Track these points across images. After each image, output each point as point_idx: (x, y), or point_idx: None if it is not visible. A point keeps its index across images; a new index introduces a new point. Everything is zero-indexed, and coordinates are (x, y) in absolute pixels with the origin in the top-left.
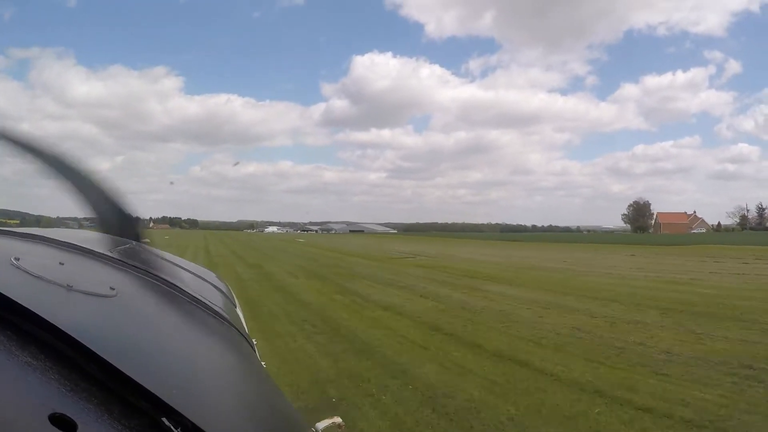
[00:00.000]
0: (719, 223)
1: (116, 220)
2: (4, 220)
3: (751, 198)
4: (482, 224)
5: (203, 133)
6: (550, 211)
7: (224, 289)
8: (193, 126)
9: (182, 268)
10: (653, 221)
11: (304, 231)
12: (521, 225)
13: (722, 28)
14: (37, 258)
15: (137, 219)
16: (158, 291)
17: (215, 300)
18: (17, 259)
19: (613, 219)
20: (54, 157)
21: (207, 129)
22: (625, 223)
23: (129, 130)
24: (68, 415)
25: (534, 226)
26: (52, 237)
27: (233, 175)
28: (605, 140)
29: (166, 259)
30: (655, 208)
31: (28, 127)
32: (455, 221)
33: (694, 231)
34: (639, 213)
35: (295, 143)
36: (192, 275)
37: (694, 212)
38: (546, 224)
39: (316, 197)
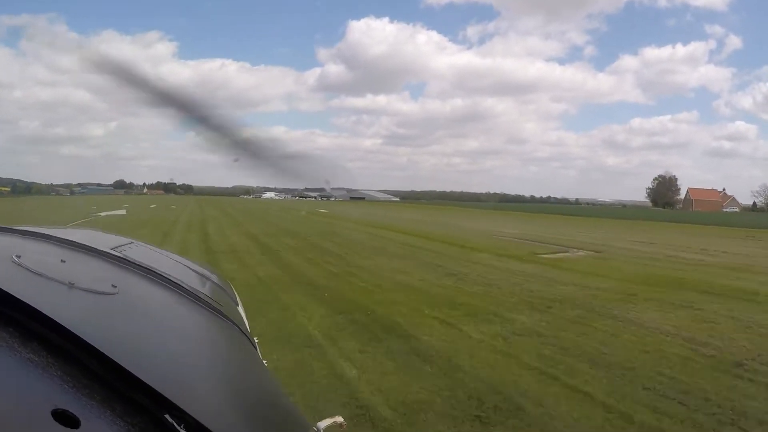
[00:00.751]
0: (754, 202)
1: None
2: None
3: (745, 177)
4: (480, 193)
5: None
6: (543, 182)
7: (226, 287)
8: (187, 91)
9: (184, 265)
10: (682, 198)
11: (302, 197)
12: (519, 195)
13: (723, 2)
14: (38, 255)
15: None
16: (160, 288)
17: (217, 298)
18: (18, 257)
19: (608, 192)
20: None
21: (201, 94)
22: (648, 198)
23: (121, 96)
24: (71, 411)
25: (532, 197)
26: (53, 235)
27: (228, 140)
28: (602, 112)
29: (167, 257)
30: (647, 184)
31: (19, 94)
32: (452, 189)
33: (726, 210)
34: (665, 188)
35: (290, 109)
36: (194, 273)
37: (724, 190)
38: (542, 195)
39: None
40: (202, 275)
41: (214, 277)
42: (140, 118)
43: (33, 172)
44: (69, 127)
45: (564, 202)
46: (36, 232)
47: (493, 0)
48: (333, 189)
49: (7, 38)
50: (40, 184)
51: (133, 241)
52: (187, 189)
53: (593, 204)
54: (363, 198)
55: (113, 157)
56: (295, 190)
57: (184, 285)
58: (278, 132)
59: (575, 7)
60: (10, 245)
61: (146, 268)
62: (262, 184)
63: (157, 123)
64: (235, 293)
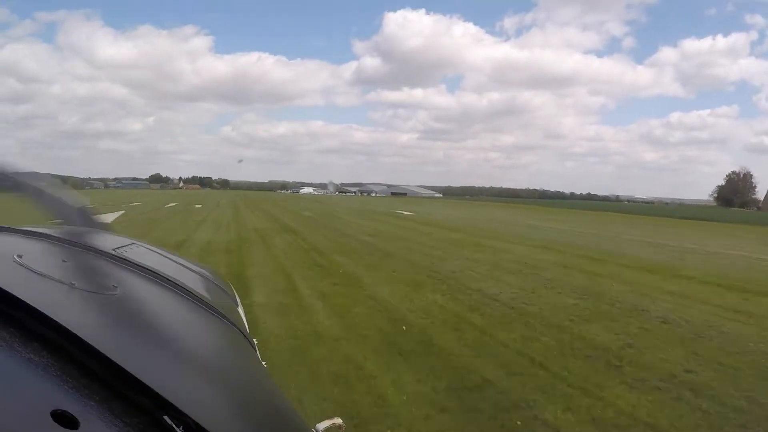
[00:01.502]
0: None
1: (77, 216)
2: None
3: None
4: (520, 189)
5: (233, 93)
6: (579, 178)
7: (226, 288)
8: (223, 85)
9: (184, 266)
10: (760, 197)
11: (341, 192)
12: (559, 191)
13: None
14: (39, 255)
15: (85, 208)
16: (160, 289)
17: (217, 298)
18: (20, 257)
19: (647, 189)
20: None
21: (237, 88)
22: (713, 196)
23: (159, 91)
24: (70, 411)
25: (572, 194)
26: (55, 235)
27: (263, 135)
28: (640, 105)
29: (168, 257)
30: (687, 180)
31: (58, 89)
32: (490, 185)
33: None
34: (738, 186)
35: (326, 103)
36: (194, 274)
37: None
38: (579, 191)
39: (346, 158)
40: (202, 276)
41: (214, 278)
42: (177, 112)
43: (74, 167)
44: (107, 121)
45: (605, 199)
46: (38, 232)
47: None
48: (372, 185)
49: (45, 33)
50: (76, 177)
51: (135, 241)
52: (224, 183)
53: (642, 202)
54: (405, 194)
55: (151, 152)
56: (331, 185)
57: (184, 286)
58: (316, 126)
59: None
60: (12, 245)
61: (147, 268)
62: (297, 179)
63: (193, 117)
64: (236, 294)
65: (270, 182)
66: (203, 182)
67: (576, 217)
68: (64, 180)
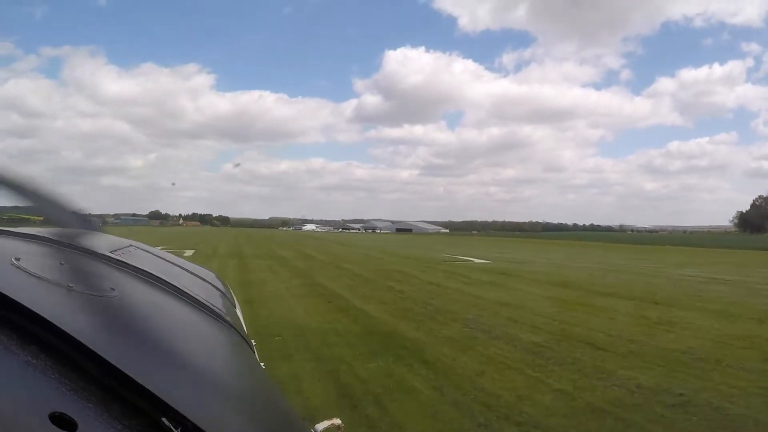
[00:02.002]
0: None
1: (65, 216)
2: (28, 216)
3: None
4: (524, 222)
5: (235, 130)
6: (581, 209)
7: (224, 290)
8: (224, 123)
9: (182, 268)
10: None
11: (345, 230)
12: (562, 224)
13: (760, 19)
14: (37, 258)
15: (82, 213)
16: (158, 291)
17: (214, 300)
18: (18, 259)
19: (647, 218)
20: (48, 202)
21: (239, 126)
22: (734, 223)
23: (161, 128)
24: (68, 414)
25: (575, 225)
26: (52, 237)
27: (265, 173)
28: (639, 136)
29: (166, 260)
30: (688, 208)
31: (61, 125)
32: (492, 219)
33: None
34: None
35: (327, 140)
36: (192, 276)
37: None
38: (582, 223)
39: (347, 194)
40: (200, 278)
41: (212, 280)
42: (178, 149)
43: (76, 202)
44: (109, 157)
45: (609, 229)
46: (35, 235)
47: (528, 26)
48: (376, 221)
49: (49, 68)
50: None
51: (132, 243)
52: (224, 220)
53: (645, 231)
54: (410, 230)
55: (153, 188)
56: (334, 222)
57: (182, 288)
58: (317, 164)
59: (611, 29)
60: (10, 247)
61: (145, 271)
62: (298, 215)
63: (195, 155)
64: (233, 296)
65: (270, 219)
66: (203, 219)
67: (658, 256)
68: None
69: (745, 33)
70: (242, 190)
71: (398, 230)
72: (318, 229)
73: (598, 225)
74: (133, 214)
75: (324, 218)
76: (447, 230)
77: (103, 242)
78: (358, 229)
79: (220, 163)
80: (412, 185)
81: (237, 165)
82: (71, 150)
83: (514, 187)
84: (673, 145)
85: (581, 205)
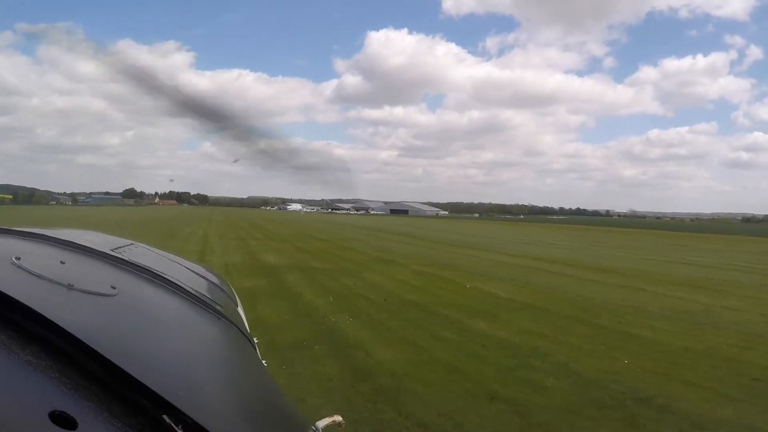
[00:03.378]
0: None
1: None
2: None
3: (763, 188)
4: (510, 205)
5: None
6: (559, 194)
7: (225, 288)
8: (203, 101)
9: (184, 266)
10: None
11: (334, 210)
12: (547, 207)
13: (745, 12)
14: (38, 257)
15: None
16: (159, 290)
17: (216, 298)
18: (18, 258)
19: (625, 204)
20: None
21: (221, 103)
22: None
23: (138, 105)
24: (68, 412)
25: (561, 209)
26: (53, 236)
27: (244, 151)
28: (620, 123)
29: (167, 258)
30: (665, 195)
31: (37, 102)
32: (470, 201)
33: None
34: None
35: (307, 120)
36: (193, 274)
37: None
38: (570, 206)
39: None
40: (201, 276)
41: (213, 278)
42: (157, 127)
43: (51, 180)
44: (86, 135)
45: (595, 213)
46: (36, 234)
47: (513, 10)
48: (369, 201)
49: (25, 45)
50: (41, 191)
51: (133, 242)
52: (202, 199)
53: (624, 215)
54: (406, 211)
55: (130, 166)
56: (317, 201)
57: (183, 286)
58: (296, 143)
59: (596, 17)
60: (10, 247)
61: (146, 269)
62: (279, 194)
63: (174, 133)
64: (235, 294)
65: (249, 198)
66: (180, 197)
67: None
68: (31, 193)
69: (730, 25)
70: (220, 169)
71: (393, 211)
72: (304, 209)
73: (584, 209)
74: (106, 193)
75: (303, 197)
76: (447, 212)
77: (103, 241)
78: (348, 210)
79: (198, 142)
80: (392, 166)
81: (236, 161)
82: (47, 127)
83: (492, 170)
84: (653, 133)
85: (560, 189)
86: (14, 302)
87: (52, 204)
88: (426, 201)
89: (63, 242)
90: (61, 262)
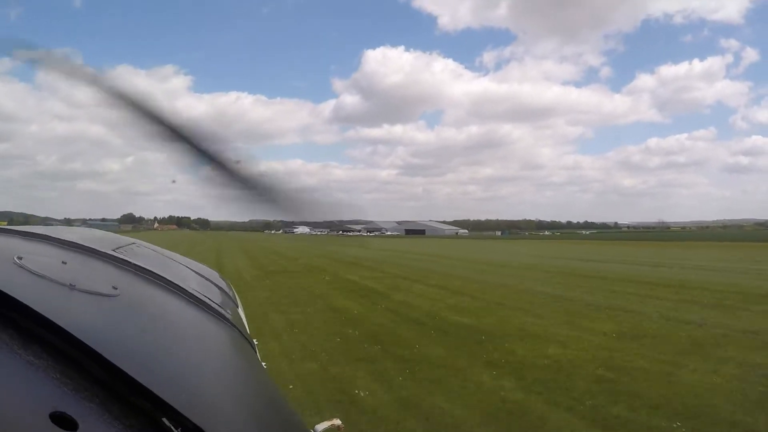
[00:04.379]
0: None
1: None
2: None
3: (763, 191)
4: (519, 221)
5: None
6: (559, 207)
7: (227, 289)
8: (202, 125)
9: (185, 266)
10: None
11: (345, 232)
12: (555, 221)
13: (740, 15)
14: (39, 257)
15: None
16: (160, 291)
17: (217, 300)
18: (20, 258)
19: (625, 214)
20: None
21: (216, 127)
22: None
23: (138, 130)
24: (69, 413)
25: (569, 222)
26: (54, 236)
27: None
28: (618, 133)
29: (169, 258)
30: (665, 204)
31: (36, 129)
32: (467, 218)
33: None
34: None
35: (305, 141)
36: (195, 274)
37: None
38: (578, 220)
39: (325, 196)
40: (203, 277)
41: (215, 279)
42: (156, 152)
43: (51, 207)
44: (86, 161)
45: (603, 226)
46: (38, 234)
47: (509, 23)
48: (381, 222)
49: (23, 73)
50: (38, 217)
51: (135, 241)
52: (203, 224)
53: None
54: (423, 231)
55: (130, 192)
56: (332, 223)
57: (184, 287)
58: (294, 165)
59: (592, 27)
60: (12, 246)
61: (147, 269)
62: (276, 218)
63: (172, 157)
64: (236, 295)
65: (250, 221)
66: (180, 222)
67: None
68: (26, 219)
69: (725, 29)
70: (221, 193)
71: (408, 232)
72: (313, 232)
73: (592, 222)
74: (103, 219)
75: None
76: (465, 231)
77: (105, 240)
78: (359, 231)
79: (197, 165)
80: (391, 185)
81: (173, 182)
82: (47, 154)
83: (491, 186)
84: (652, 142)
85: (560, 202)
86: (16, 302)
87: None
88: (428, 219)
89: (65, 242)
90: (63, 262)
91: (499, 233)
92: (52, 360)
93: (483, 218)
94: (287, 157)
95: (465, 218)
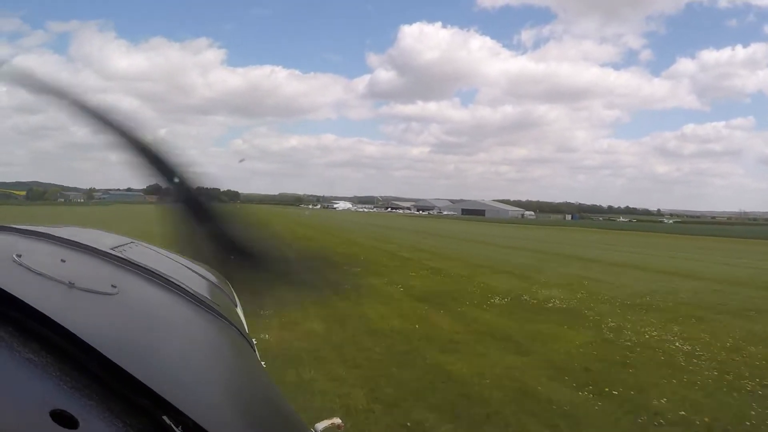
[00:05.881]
0: None
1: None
2: (10, 191)
3: None
4: (560, 203)
5: (245, 106)
6: (590, 191)
7: (225, 289)
8: (235, 99)
9: (184, 266)
10: None
11: (393, 209)
12: (596, 205)
13: None
14: (39, 255)
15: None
16: (159, 289)
17: (216, 299)
18: (19, 256)
19: (656, 202)
20: (124, 130)
21: (249, 101)
22: None
23: (170, 103)
24: (69, 411)
25: (610, 207)
26: (54, 234)
27: (276, 149)
28: (655, 118)
29: (168, 257)
30: (699, 192)
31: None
32: (498, 197)
33: None
34: None
35: (339, 116)
36: (193, 273)
37: None
38: (619, 205)
39: (357, 171)
40: (201, 276)
41: (213, 278)
42: (188, 125)
43: (86, 178)
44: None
45: (646, 212)
46: (37, 232)
47: (550, 1)
48: (433, 200)
49: (58, 44)
50: (56, 186)
51: (134, 240)
52: (233, 196)
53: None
54: (483, 212)
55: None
56: (370, 198)
57: (183, 286)
58: (327, 140)
59: (634, 7)
60: (11, 244)
61: (146, 268)
62: (310, 192)
63: (204, 131)
64: (235, 294)
65: (280, 195)
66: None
67: None
68: (44, 190)
69: None
70: (252, 166)
71: (465, 212)
72: (354, 208)
73: (634, 208)
74: (128, 189)
75: (336, 194)
76: (531, 213)
77: (104, 239)
78: (408, 209)
79: (229, 139)
80: (423, 162)
81: (241, 161)
82: (80, 126)
83: (524, 167)
84: (689, 128)
85: (592, 186)
86: (15, 300)
87: (59, 202)
88: (458, 198)
89: (64, 240)
90: (62, 261)
91: (569, 217)
92: (52, 358)
93: (506, 197)
94: (320, 132)
95: (526, 199)
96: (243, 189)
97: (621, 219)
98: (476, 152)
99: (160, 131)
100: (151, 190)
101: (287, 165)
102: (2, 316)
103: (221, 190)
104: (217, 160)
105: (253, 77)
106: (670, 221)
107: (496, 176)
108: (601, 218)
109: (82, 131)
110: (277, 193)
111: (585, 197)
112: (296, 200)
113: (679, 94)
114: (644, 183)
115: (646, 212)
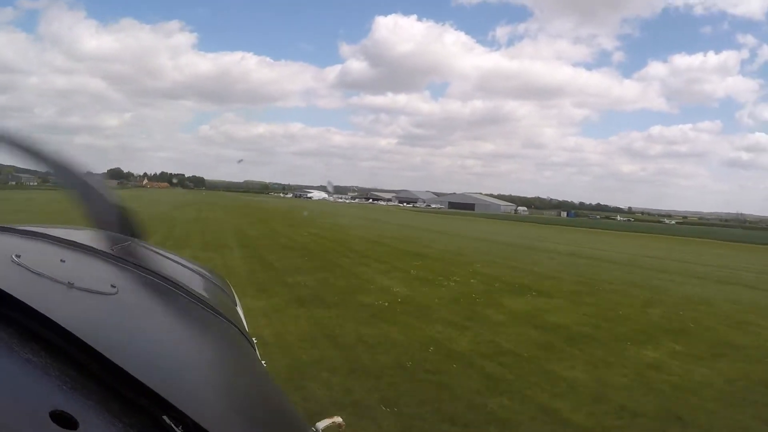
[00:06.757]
0: None
1: (115, 219)
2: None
3: (761, 189)
4: (533, 198)
5: (214, 92)
6: (556, 187)
7: (225, 288)
8: (204, 83)
9: (183, 265)
10: None
11: (373, 200)
12: (566, 201)
13: (762, 11)
14: (38, 255)
15: (135, 218)
16: (159, 289)
17: (216, 298)
18: (18, 256)
19: (621, 200)
20: (57, 164)
21: (219, 87)
22: None
23: (139, 86)
24: (69, 412)
25: (581, 203)
26: (53, 234)
27: (243, 136)
28: (623, 119)
29: (167, 257)
30: (661, 192)
31: (35, 81)
32: (464, 191)
33: None
34: None
35: (307, 105)
36: (193, 273)
37: None
38: (590, 202)
39: (323, 161)
40: (201, 275)
41: (213, 277)
42: (155, 109)
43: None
44: (84, 116)
45: (615, 210)
46: (36, 232)
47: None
48: (417, 192)
49: (25, 22)
50: (9, 167)
51: (134, 240)
52: (198, 182)
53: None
54: (472, 206)
55: (128, 148)
56: (343, 188)
57: (183, 285)
58: (295, 129)
59: (611, 9)
60: (10, 244)
61: (145, 268)
62: (276, 180)
63: (172, 115)
64: (234, 293)
65: (245, 182)
66: (173, 180)
67: None
68: None
69: (745, 24)
70: (219, 152)
71: (453, 206)
72: (330, 199)
73: (605, 205)
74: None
75: (299, 183)
76: (525, 208)
77: (104, 239)
78: (390, 201)
79: (196, 125)
80: (390, 154)
81: (240, 161)
82: (45, 107)
83: (491, 161)
84: (655, 129)
85: (558, 183)
86: (14, 300)
87: (10, 186)
88: (426, 190)
89: (63, 240)
90: (61, 260)
91: (564, 214)
92: (52, 358)
93: (476, 191)
94: (289, 120)
95: (456, 191)
96: (209, 176)
97: (619, 218)
98: (444, 145)
99: (126, 115)
100: (111, 175)
101: (253, 152)
102: (2, 316)
103: (185, 176)
104: (183, 146)
105: (223, 63)
106: (672, 222)
107: (462, 169)
108: (598, 216)
109: (46, 112)
110: (242, 180)
111: (550, 193)
112: (263, 188)
113: (648, 96)
114: (608, 182)
115: (617, 210)
